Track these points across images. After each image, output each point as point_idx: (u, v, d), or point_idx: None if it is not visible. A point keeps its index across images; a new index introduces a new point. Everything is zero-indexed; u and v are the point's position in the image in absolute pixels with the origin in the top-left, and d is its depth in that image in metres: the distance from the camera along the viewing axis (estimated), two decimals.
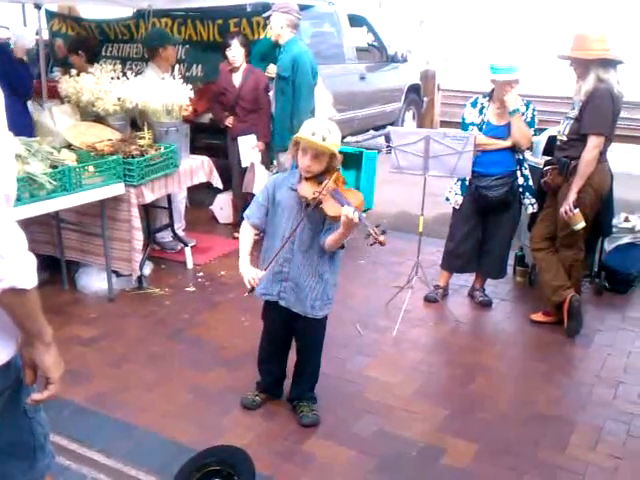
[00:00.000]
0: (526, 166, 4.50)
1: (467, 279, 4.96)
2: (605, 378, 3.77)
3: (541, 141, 5.27)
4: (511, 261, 5.29)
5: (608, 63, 3.94)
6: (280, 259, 3.04)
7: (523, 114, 4.33)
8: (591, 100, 3.90)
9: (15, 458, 1.71)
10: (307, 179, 2.96)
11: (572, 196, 3.98)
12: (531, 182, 4.52)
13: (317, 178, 2.95)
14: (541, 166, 4.51)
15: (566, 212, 4.01)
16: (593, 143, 3.92)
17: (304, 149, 2.91)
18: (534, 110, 4.38)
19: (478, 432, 3.22)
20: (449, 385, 3.70)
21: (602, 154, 4.01)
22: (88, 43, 6.52)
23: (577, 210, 3.99)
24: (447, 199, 4.66)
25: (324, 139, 2.85)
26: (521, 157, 4.46)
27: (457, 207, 4.61)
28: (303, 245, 3.03)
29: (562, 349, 4.12)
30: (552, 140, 4.79)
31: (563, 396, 3.62)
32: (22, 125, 4.59)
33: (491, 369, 3.88)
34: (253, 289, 2.97)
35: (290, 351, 3.39)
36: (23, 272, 1.40)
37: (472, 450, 3.08)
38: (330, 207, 2.87)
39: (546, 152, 5.02)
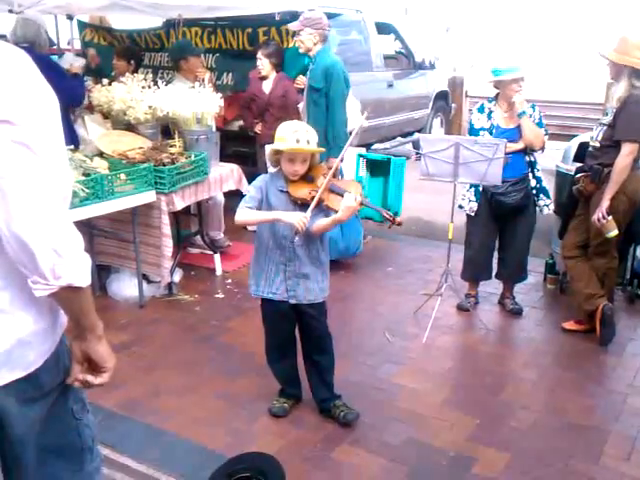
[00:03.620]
0: (538, 168, 4.48)
1: (497, 287, 4.92)
2: (639, 387, 3.70)
3: (572, 147, 5.21)
4: (542, 269, 5.25)
5: None
6: (282, 259, 3.10)
7: (531, 116, 4.34)
8: (625, 106, 3.85)
9: (63, 460, 1.75)
10: (294, 180, 3.04)
11: (605, 203, 3.93)
12: (545, 183, 4.51)
13: (305, 177, 3.05)
14: (572, 173, 4.46)
15: (599, 219, 3.96)
16: (627, 150, 3.86)
17: (292, 158, 2.98)
18: (540, 112, 4.42)
19: (509, 441, 3.19)
20: (479, 393, 3.66)
21: (636, 161, 3.95)
22: (138, 55, 6.79)
23: (610, 217, 3.93)
24: (460, 206, 4.62)
25: (309, 142, 2.96)
26: (532, 159, 4.45)
27: (472, 214, 4.59)
28: (301, 239, 3.08)
29: (594, 358, 4.07)
30: (583, 146, 4.74)
31: (596, 406, 3.56)
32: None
33: (522, 378, 3.84)
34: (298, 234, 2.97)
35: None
36: (80, 271, 1.46)
37: (504, 460, 3.05)
38: (337, 203, 2.98)
39: (577, 158, 4.97)
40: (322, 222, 3.03)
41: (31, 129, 1.37)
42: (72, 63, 5.25)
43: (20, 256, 1.40)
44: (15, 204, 1.36)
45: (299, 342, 3.39)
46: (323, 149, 3.06)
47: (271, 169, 3.27)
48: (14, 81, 1.38)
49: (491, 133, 4.40)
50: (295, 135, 2.95)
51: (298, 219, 2.90)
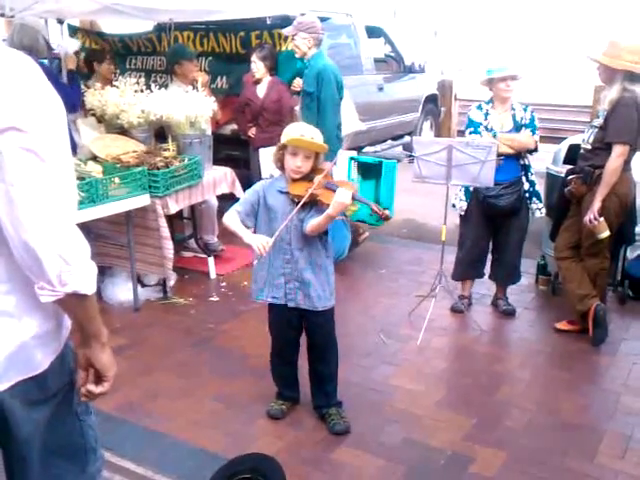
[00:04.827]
0: (532, 171, 4.53)
1: (490, 288, 4.96)
2: (632, 387, 3.75)
3: (562, 149, 5.26)
4: (533, 270, 5.29)
5: (636, 76, 3.92)
6: (281, 262, 3.11)
7: (522, 118, 4.42)
8: (616, 109, 3.90)
9: (67, 461, 1.75)
10: (296, 180, 3.07)
11: (597, 205, 3.98)
12: (538, 187, 4.56)
13: (306, 178, 3.08)
14: (562, 175, 4.51)
15: (590, 221, 4.00)
16: (618, 152, 3.91)
17: (294, 152, 3.03)
18: (532, 112, 4.48)
19: (505, 441, 3.22)
20: (474, 394, 3.69)
21: (627, 163, 4.00)
22: (109, 54, 6.80)
23: (602, 219, 3.98)
24: (453, 205, 4.69)
25: (312, 138, 3.02)
26: (527, 162, 4.50)
27: (462, 213, 4.65)
28: (299, 242, 3.10)
29: (587, 358, 4.11)
30: (573, 149, 4.78)
31: (590, 405, 3.61)
32: None
33: (516, 378, 3.88)
34: (261, 257, 2.99)
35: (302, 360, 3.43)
36: (86, 278, 1.47)
37: (500, 459, 3.08)
38: (329, 198, 3.00)
39: (567, 161, 5.01)
40: (315, 221, 3.03)
41: (39, 136, 1.38)
42: (67, 52, 5.17)
43: (27, 262, 1.42)
44: (23, 211, 1.37)
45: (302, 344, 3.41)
46: (326, 146, 3.09)
47: (266, 172, 3.28)
48: (22, 88, 1.38)
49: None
50: (299, 131, 3.03)
51: (258, 242, 2.92)
